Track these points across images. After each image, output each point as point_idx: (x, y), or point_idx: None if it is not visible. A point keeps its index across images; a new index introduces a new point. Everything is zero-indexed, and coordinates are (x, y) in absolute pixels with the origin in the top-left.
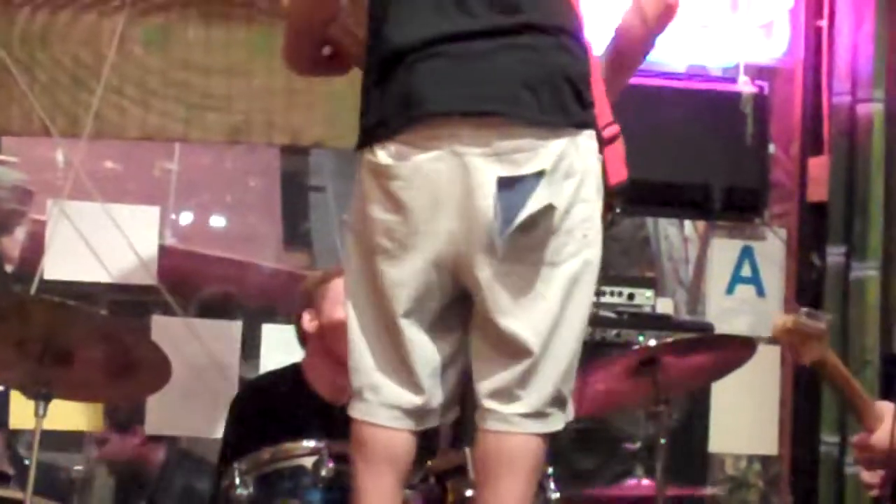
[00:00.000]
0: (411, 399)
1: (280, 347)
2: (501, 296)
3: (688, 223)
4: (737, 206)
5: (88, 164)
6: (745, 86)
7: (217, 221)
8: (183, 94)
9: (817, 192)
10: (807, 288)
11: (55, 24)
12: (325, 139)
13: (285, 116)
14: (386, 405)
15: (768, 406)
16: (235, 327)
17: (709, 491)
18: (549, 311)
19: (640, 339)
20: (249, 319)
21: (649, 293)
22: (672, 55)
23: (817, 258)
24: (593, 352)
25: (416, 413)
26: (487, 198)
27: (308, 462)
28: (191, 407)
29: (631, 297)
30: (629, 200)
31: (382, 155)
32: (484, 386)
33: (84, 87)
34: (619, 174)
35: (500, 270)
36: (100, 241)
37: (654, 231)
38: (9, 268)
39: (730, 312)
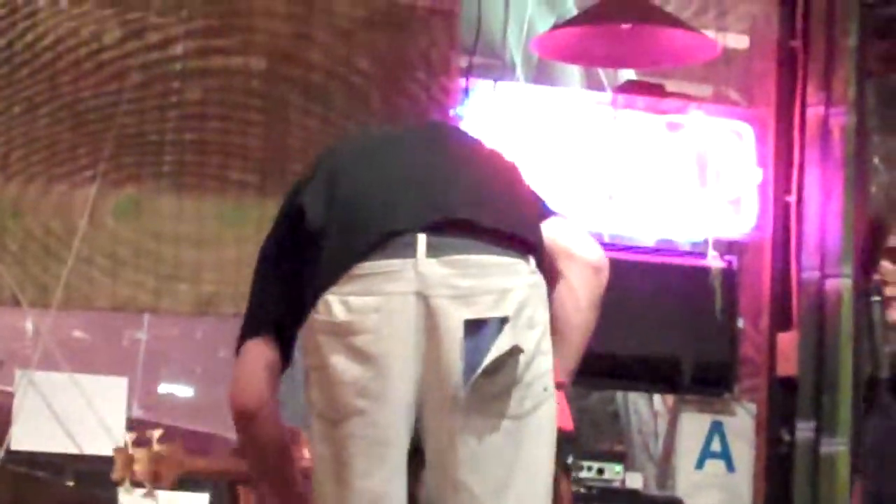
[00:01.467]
0: None
1: None
2: (461, 448)
3: (657, 397)
4: (706, 381)
5: (57, 333)
6: (713, 260)
7: (185, 392)
8: (153, 264)
9: (786, 366)
10: (776, 463)
11: (27, 194)
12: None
13: None
14: None
15: None
16: (202, 500)
17: None
18: (509, 467)
19: None
20: (218, 492)
21: (619, 468)
22: (641, 230)
23: (787, 433)
24: None
25: None
26: (452, 342)
27: None
28: None
29: (601, 471)
30: (600, 374)
31: (340, 308)
32: None
33: (54, 257)
34: (566, 423)
35: (462, 422)
36: (67, 412)
37: (624, 405)
38: None
39: (699, 487)
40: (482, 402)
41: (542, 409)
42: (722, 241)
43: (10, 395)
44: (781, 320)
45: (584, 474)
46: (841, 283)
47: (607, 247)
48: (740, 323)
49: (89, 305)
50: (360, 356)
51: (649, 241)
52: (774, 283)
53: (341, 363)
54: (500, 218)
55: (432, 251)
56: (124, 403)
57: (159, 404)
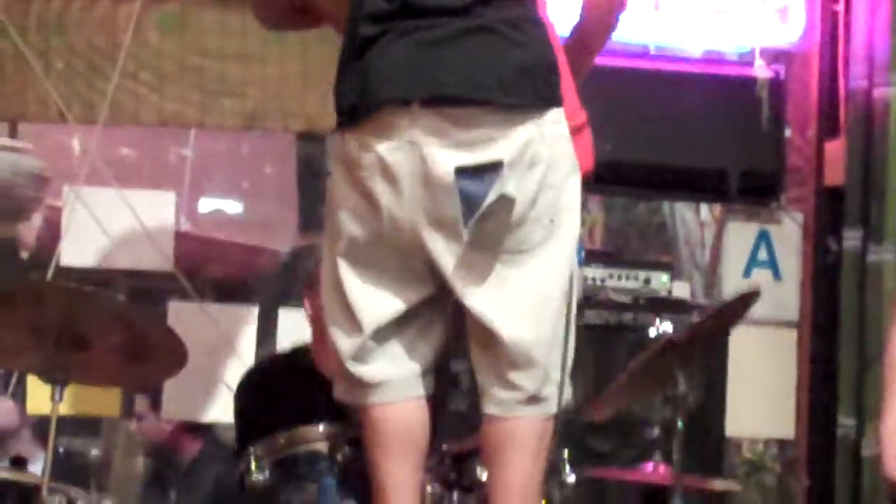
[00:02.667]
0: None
1: (296, 331)
2: (474, 285)
3: (704, 207)
4: (753, 190)
5: (104, 150)
6: (760, 70)
7: (233, 207)
8: (198, 79)
9: (834, 175)
10: (823, 271)
11: (70, 10)
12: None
13: (300, 103)
14: (365, 384)
15: (785, 390)
16: (251, 312)
17: (723, 485)
18: (524, 299)
19: (657, 322)
20: (266, 303)
21: (665, 277)
22: (688, 40)
23: (834, 242)
24: (609, 335)
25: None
26: (447, 189)
27: (324, 447)
28: (207, 392)
29: (647, 281)
30: (647, 185)
31: (352, 144)
32: (483, 372)
33: (100, 73)
34: (585, 165)
35: (467, 260)
36: (116, 227)
37: (671, 215)
38: (25, 254)
39: None
40: (484, 242)
41: (552, 240)
42: (769, 50)
43: (59, 211)
44: (829, 129)
45: (631, 284)
46: (888, 92)
47: (653, 58)
48: (787, 132)
49: (136, 121)
50: (359, 189)
51: (696, 51)
52: (822, 92)
53: (345, 192)
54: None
55: (428, 103)
56: (172, 218)
57: (206, 219)
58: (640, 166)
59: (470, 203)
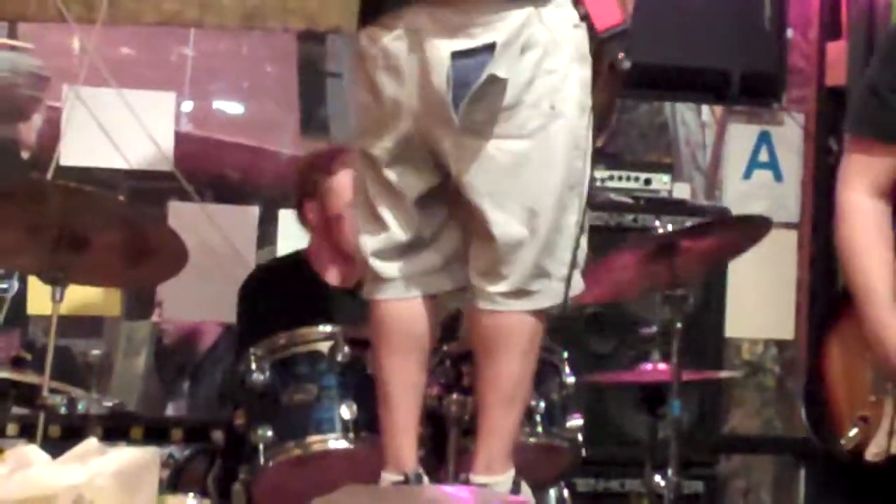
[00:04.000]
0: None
1: (296, 233)
2: (469, 172)
3: (705, 108)
4: (754, 91)
5: (104, 49)
6: None
7: (233, 108)
8: None
9: (836, 76)
10: (824, 173)
11: None
12: (342, 24)
13: (301, 1)
14: (389, 279)
15: (784, 291)
16: (252, 213)
17: (724, 374)
18: (520, 187)
19: (657, 223)
20: (266, 205)
21: (666, 178)
22: None
23: (835, 143)
24: (610, 236)
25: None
26: (442, 72)
27: (324, 347)
28: (207, 292)
29: (648, 182)
30: (648, 85)
31: (364, 39)
32: (472, 264)
33: None
34: (610, 18)
35: (463, 144)
36: (116, 128)
37: (672, 116)
38: (25, 154)
39: (747, 197)
40: (478, 125)
41: (552, 128)
42: None
43: (58, 111)
44: (831, 29)
45: (631, 184)
46: None
47: None
48: (789, 33)
49: (135, 20)
50: (368, 81)
51: None
52: None
53: (360, 84)
54: None
55: None
56: (172, 118)
57: (208, 119)
58: (641, 67)
59: (461, 85)
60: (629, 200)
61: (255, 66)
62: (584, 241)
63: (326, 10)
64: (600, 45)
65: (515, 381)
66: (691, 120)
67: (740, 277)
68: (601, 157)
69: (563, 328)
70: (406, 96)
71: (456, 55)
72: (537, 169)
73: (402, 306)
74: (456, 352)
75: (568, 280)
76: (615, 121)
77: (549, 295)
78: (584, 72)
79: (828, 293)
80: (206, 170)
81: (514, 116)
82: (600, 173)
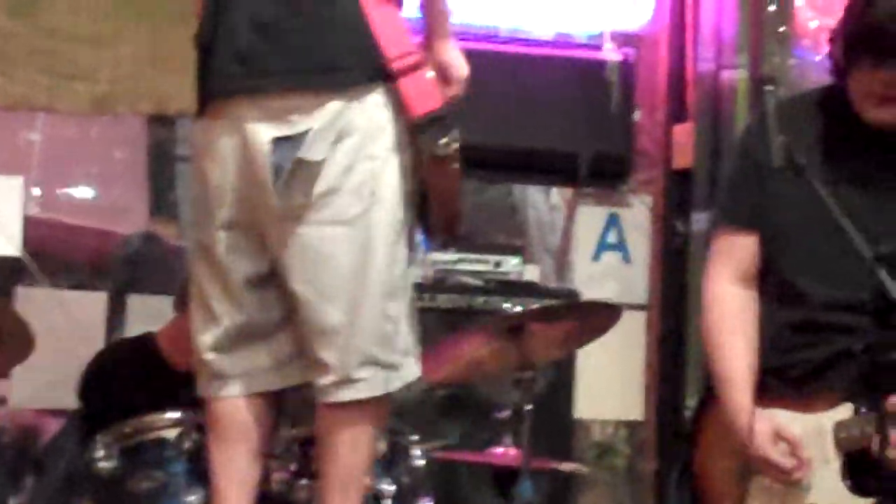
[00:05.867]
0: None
1: (145, 318)
2: (290, 258)
3: (555, 191)
4: (603, 173)
5: None
6: (610, 53)
7: (83, 192)
8: (49, 63)
9: (682, 158)
10: (672, 254)
11: None
12: (191, 108)
13: (151, 85)
14: (221, 377)
15: (634, 372)
16: (101, 298)
17: (570, 467)
18: (340, 275)
19: (506, 306)
20: (115, 290)
21: (516, 261)
22: (538, 23)
23: (682, 224)
24: (460, 319)
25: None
26: (262, 159)
27: (171, 434)
28: (57, 379)
29: (498, 264)
30: (498, 167)
31: (196, 130)
32: (309, 357)
33: None
34: (427, 103)
35: (283, 230)
36: None
37: (522, 198)
38: None
39: (596, 279)
40: (300, 212)
41: (372, 214)
42: (619, 33)
43: None
44: (677, 112)
45: (481, 267)
46: (736, 74)
47: (504, 41)
48: (637, 115)
49: None
50: (198, 171)
51: (546, 34)
52: (670, 75)
53: (193, 174)
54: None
55: (248, 88)
56: (20, 203)
57: (56, 203)
58: (490, 149)
59: (277, 170)
60: (479, 283)
61: (104, 150)
62: (414, 327)
63: (176, 94)
64: (419, 131)
65: (350, 469)
66: (541, 202)
67: (589, 359)
68: (450, 239)
69: (415, 411)
70: (230, 183)
71: (276, 142)
72: (357, 255)
73: (235, 403)
74: (304, 436)
75: (398, 367)
76: (461, 207)
77: (378, 383)
78: (405, 158)
79: (676, 374)
80: (54, 255)
81: (333, 202)
82: (450, 256)
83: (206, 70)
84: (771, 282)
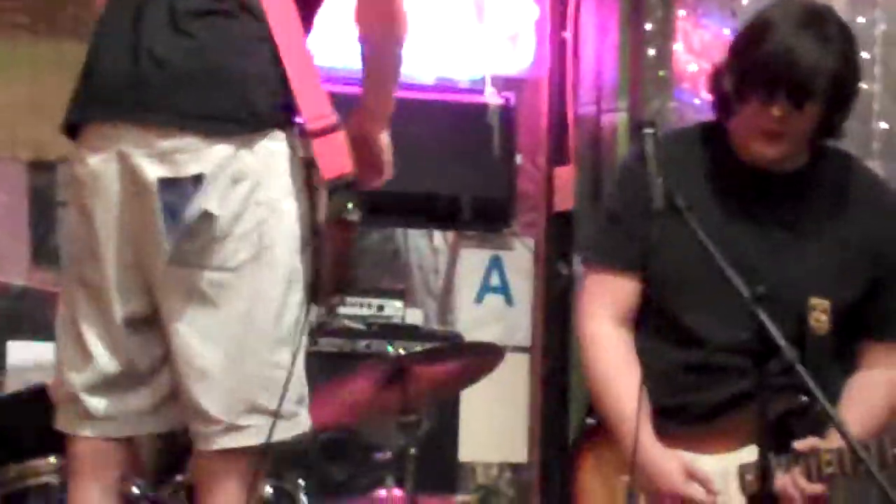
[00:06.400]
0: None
1: (26, 364)
2: (174, 302)
3: (437, 234)
4: (485, 217)
5: None
6: (491, 97)
7: None
8: None
9: (564, 201)
10: (555, 296)
11: None
12: (72, 154)
13: (29, 131)
14: (90, 417)
15: (517, 414)
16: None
17: (459, 499)
18: (225, 321)
19: (390, 349)
20: None
21: (399, 304)
22: (419, 67)
23: (564, 266)
24: (343, 363)
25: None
26: (150, 200)
27: (55, 479)
28: None
29: (381, 308)
30: (380, 211)
31: (75, 163)
32: (187, 404)
33: None
34: (338, 167)
35: (169, 273)
36: None
37: (404, 242)
38: None
39: (479, 322)
40: (187, 256)
41: (262, 261)
42: (500, 77)
43: None
44: (558, 155)
45: (364, 311)
46: (616, 118)
47: None
48: (518, 159)
49: None
50: (79, 207)
51: (428, 78)
52: (551, 119)
53: (70, 211)
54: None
55: (134, 115)
56: None
57: None
58: (372, 194)
59: (171, 216)
60: (362, 326)
61: None
62: (301, 375)
63: (55, 138)
64: (332, 192)
65: None
66: (423, 245)
67: (473, 401)
68: (335, 305)
69: (298, 455)
70: (115, 220)
71: (163, 183)
72: (244, 302)
73: (97, 443)
74: (190, 482)
75: (289, 416)
76: (352, 273)
77: (263, 431)
78: (300, 205)
79: (560, 416)
80: None
81: (222, 248)
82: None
83: (91, 92)
84: (663, 322)
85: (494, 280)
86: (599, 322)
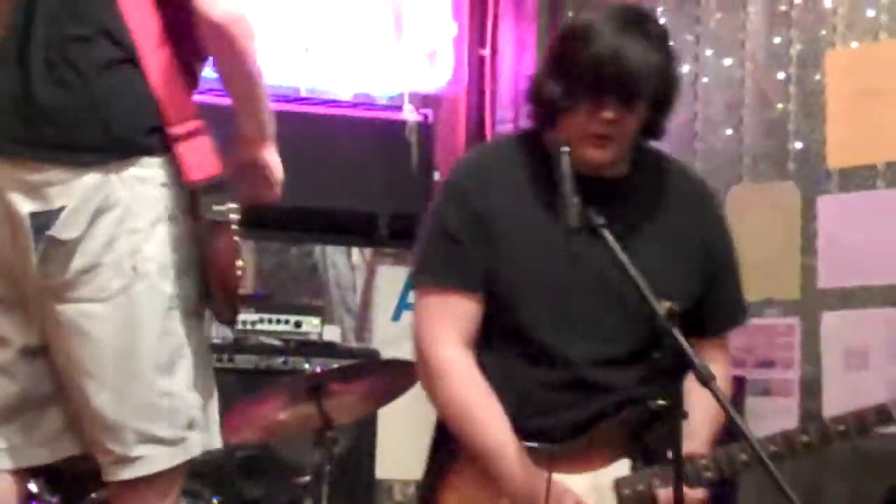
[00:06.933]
0: None
1: None
2: (54, 337)
3: (355, 251)
4: (403, 234)
5: None
6: (409, 114)
7: None
8: None
9: None
10: None
11: None
12: None
13: None
14: None
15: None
16: None
17: None
18: (104, 353)
19: (307, 366)
20: None
21: (316, 321)
22: (338, 84)
23: None
24: (260, 380)
25: None
26: (24, 234)
27: None
28: None
29: (298, 325)
30: (298, 228)
31: None
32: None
33: None
34: (204, 169)
35: (45, 307)
36: None
37: (322, 259)
38: None
39: (396, 339)
40: (61, 289)
41: (135, 290)
42: (418, 94)
43: None
44: None
45: (282, 327)
46: None
47: (304, 101)
48: (436, 175)
49: None
50: None
51: (346, 94)
52: (469, 136)
53: None
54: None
55: (4, 150)
56: None
57: None
58: (291, 210)
59: (37, 246)
60: (279, 343)
61: None
62: (209, 395)
63: None
64: (195, 197)
65: None
66: (341, 262)
67: (390, 419)
68: (251, 299)
69: (214, 473)
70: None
71: (33, 216)
72: (121, 333)
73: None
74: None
75: (181, 442)
76: (238, 281)
77: (160, 460)
78: (174, 230)
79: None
80: None
81: (94, 279)
82: (250, 316)
83: None
84: (515, 341)
85: (412, 297)
86: (446, 346)
